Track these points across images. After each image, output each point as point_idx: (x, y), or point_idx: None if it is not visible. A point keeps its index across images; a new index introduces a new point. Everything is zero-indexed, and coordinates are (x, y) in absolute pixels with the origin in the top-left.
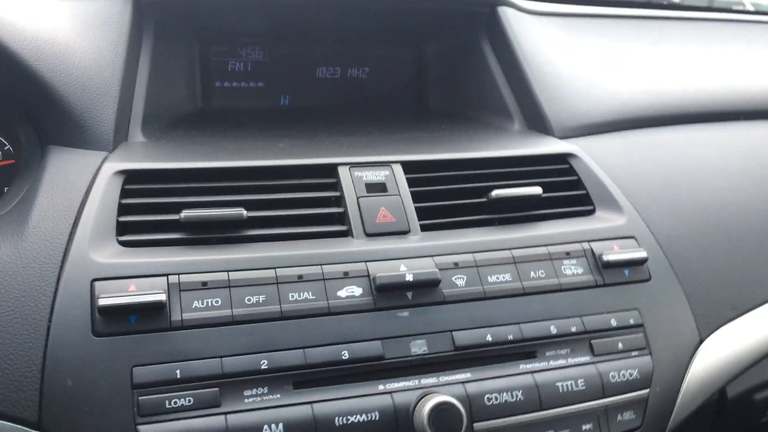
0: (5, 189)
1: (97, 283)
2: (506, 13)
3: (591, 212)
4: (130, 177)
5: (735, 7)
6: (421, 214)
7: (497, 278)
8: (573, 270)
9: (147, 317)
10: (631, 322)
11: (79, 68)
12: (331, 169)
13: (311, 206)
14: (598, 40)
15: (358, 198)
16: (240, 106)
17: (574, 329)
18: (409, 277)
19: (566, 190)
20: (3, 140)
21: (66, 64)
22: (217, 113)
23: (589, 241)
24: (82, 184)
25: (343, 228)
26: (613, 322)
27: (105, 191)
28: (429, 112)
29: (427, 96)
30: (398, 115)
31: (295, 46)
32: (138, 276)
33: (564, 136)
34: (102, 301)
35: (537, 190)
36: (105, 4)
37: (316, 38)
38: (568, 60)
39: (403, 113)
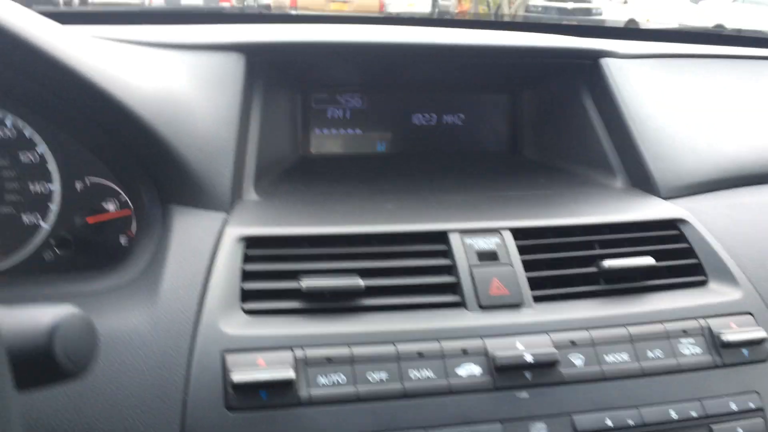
0: (120, 237)
1: (228, 356)
2: (608, 64)
3: (703, 283)
4: (251, 242)
5: None
6: (533, 284)
7: (615, 358)
8: (691, 350)
9: (277, 393)
10: (751, 405)
11: (198, 128)
12: (442, 236)
13: (423, 273)
14: (697, 84)
15: (470, 267)
16: (338, 153)
17: (694, 414)
18: (529, 358)
19: (677, 259)
20: (120, 191)
21: (186, 124)
22: (316, 160)
23: (705, 317)
24: (207, 250)
25: (457, 299)
26: (733, 406)
27: (229, 258)
28: (524, 163)
29: (521, 144)
30: (494, 164)
31: (392, 94)
32: (265, 349)
33: (669, 196)
34: (235, 377)
35: (649, 260)
36: (218, 59)
37: (413, 86)
38: (670, 111)
39: (498, 162)
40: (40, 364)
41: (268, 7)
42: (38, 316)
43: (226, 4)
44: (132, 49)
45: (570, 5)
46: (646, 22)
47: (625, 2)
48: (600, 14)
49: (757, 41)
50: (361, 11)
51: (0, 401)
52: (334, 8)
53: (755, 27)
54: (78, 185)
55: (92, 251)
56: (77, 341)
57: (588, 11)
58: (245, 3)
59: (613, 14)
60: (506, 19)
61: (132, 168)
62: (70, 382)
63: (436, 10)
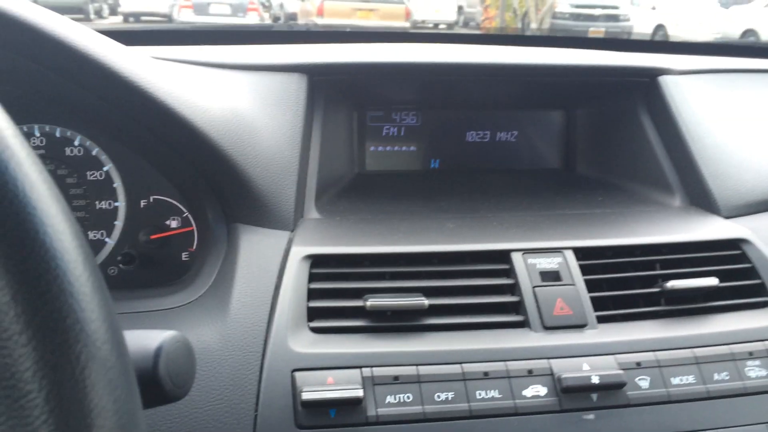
0: (182, 254)
1: (297, 374)
2: (666, 82)
3: (766, 304)
4: (316, 261)
5: None
6: (596, 304)
7: (681, 380)
8: (757, 372)
9: (346, 411)
10: None
11: (263, 147)
12: (505, 255)
13: (485, 293)
14: (753, 98)
15: (533, 288)
16: (393, 169)
17: None
18: (595, 379)
19: (740, 279)
20: (182, 207)
21: (251, 144)
22: (372, 177)
23: None
24: (273, 268)
25: (520, 318)
26: None
27: (296, 276)
28: (579, 180)
29: (575, 161)
30: (548, 181)
31: (446, 111)
32: (334, 367)
33: (730, 215)
34: (305, 395)
35: (713, 281)
36: (281, 80)
37: (467, 104)
38: (728, 128)
39: (552, 179)
40: (147, 386)
41: (294, 15)
42: (143, 339)
43: (253, 14)
44: (195, 70)
45: (597, 11)
46: (675, 27)
47: (654, 8)
48: (628, 20)
49: None
50: (387, 19)
51: (132, 420)
52: (360, 16)
53: None
54: (143, 203)
55: (155, 267)
56: (179, 365)
57: (615, 17)
58: (271, 12)
59: (640, 20)
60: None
61: (197, 186)
62: (172, 403)
63: (462, 17)
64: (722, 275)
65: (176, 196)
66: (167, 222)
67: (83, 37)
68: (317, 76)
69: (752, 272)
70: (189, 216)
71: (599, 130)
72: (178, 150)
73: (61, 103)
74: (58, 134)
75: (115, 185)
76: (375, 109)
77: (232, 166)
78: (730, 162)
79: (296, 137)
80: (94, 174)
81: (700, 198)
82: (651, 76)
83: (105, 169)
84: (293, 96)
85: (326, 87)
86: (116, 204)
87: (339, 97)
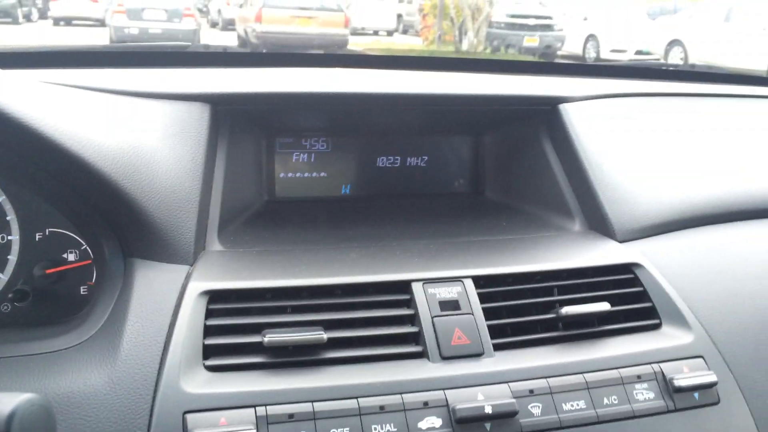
0: (80, 288)
1: (188, 416)
2: (566, 110)
3: (657, 326)
4: (214, 296)
5: None
6: (493, 332)
7: (572, 405)
8: (644, 395)
9: None
10: None
11: (161, 180)
12: (405, 286)
13: (385, 324)
14: (652, 123)
15: (432, 318)
16: (303, 196)
17: None
18: (488, 409)
19: (632, 303)
20: (80, 240)
21: (148, 177)
22: (282, 204)
23: (658, 362)
24: (169, 305)
25: (419, 349)
26: None
27: (192, 313)
28: (487, 204)
29: (483, 185)
30: (457, 206)
31: (356, 137)
32: (227, 408)
33: (625, 239)
34: None
35: (605, 306)
36: (183, 109)
37: (377, 130)
38: (626, 154)
39: (461, 204)
40: None
41: (232, 22)
42: None
43: (189, 20)
44: (92, 97)
45: (531, 21)
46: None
47: (585, 19)
48: (561, 30)
49: (709, 77)
50: (326, 26)
51: None
52: (299, 23)
53: (708, 42)
54: (38, 236)
55: (51, 302)
56: (34, 429)
57: (549, 27)
58: (209, 18)
59: (572, 30)
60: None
61: (93, 220)
62: None
63: (401, 25)
64: (616, 299)
65: (73, 228)
66: (64, 255)
67: None
68: (221, 106)
69: (644, 296)
70: (87, 249)
71: (506, 156)
72: (69, 184)
73: None
74: None
75: (8, 218)
76: (284, 136)
77: (126, 200)
78: (625, 187)
79: (197, 168)
80: None
81: (598, 223)
82: (551, 104)
83: None
84: (195, 126)
85: (231, 115)
86: (9, 237)
87: (246, 124)
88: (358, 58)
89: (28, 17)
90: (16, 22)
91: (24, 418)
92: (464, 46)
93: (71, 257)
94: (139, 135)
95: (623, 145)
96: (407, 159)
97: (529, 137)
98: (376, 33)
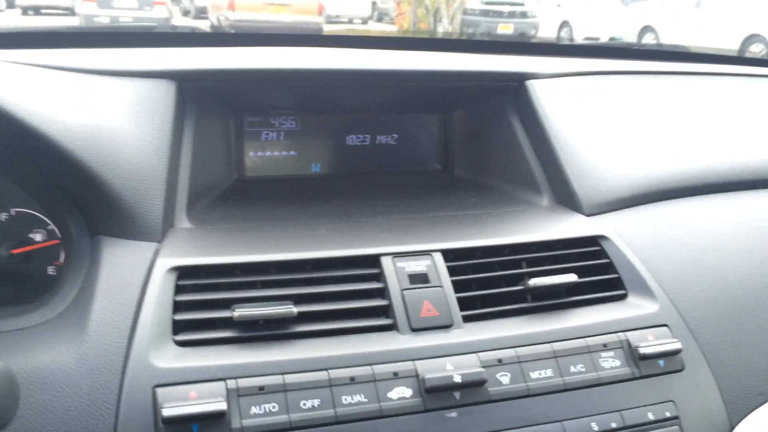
0: (47, 268)
1: (158, 390)
2: (533, 86)
3: (623, 297)
4: (183, 272)
5: None
6: (462, 304)
7: (539, 374)
8: (611, 363)
9: (209, 425)
10: (667, 414)
11: (127, 158)
12: (374, 260)
13: (355, 298)
14: (619, 100)
15: (402, 291)
16: (273, 175)
17: (614, 425)
18: (457, 378)
19: (599, 274)
20: (47, 220)
21: (114, 154)
22: (251, 183)
23: (624, 331)
24: (137, 282)
25: (389, 322)
26: (651, 416)
27: (160, 290)
28: (456, 181)
29: (453, 163)
30: (426, 183)
31: (326, 116)
32: (197, 381)
33: (592, 213)
34: (166, 412)
35: (572, 277)
36: (148, 87)
37: (347, 108)
38: (593, 129)
39: (430, 181)
40: None
41: (204, 9)
42: None
43: (161, 8)
44: (56, 76)
45: (506, 8)
46: (578, 23)
47: (559, 5)
48: (534, 17)
49: (676, 56)
50: (300, 13)
51: None
52: (273, 11)
53: (679, 27)
54: (3, 216)
55: (18, 283)
56: None
57: (523, 14)
58: (180, 5)
59: (547, 17)
60: (444, 36)
61: (58, 199)
62: None
63: (376, 12)
64: (583, 271)
65: (39, 208)
66: (30, 235)
67: None
68: (187, 83)
69: (610, 267)
70: (54, 229)
71: (474, 133)
72: (32, 163)
73: None
74: None
75: None
76: (253, 114)
77: (91, 178)
78: (592, 162)
79: (164, 146)
80: None
81: (565, 197)
82: (519, 80)
83: None
84: (161, 103)
85: (198, 93)
86: None
87: (213, 102)
88: (329, 39)
89: None
90: None
91: None
92: (439, 34)
93: (38, 237)
94: (103, 113)
95: (590, 121)
96: (377, 137)
97: (497, 114)
98: (350, 21)
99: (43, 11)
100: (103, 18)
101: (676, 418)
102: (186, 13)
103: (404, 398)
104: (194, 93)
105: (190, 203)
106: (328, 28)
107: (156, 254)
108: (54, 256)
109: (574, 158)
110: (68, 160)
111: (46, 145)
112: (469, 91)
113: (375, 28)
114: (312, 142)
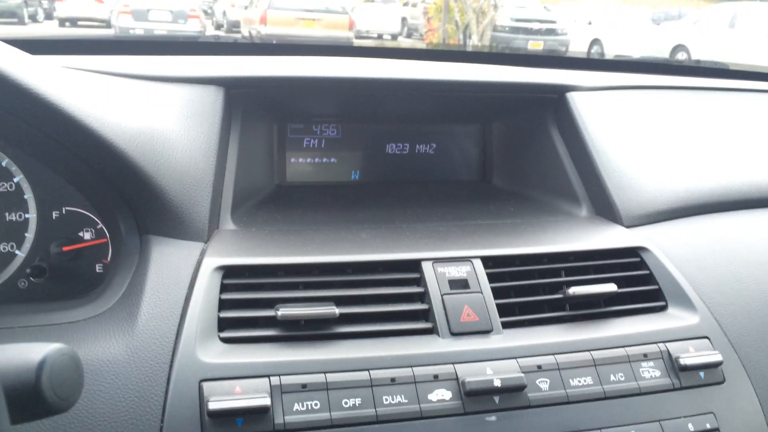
0: (95, 266)
1: (205, 384)
2: (573, 98)
3: (663, 308)
4: (228, 272)
5: None
6: (501, 310)
7: (579, 381)
8: (651, 373)
9: (253, 420)
10: (708, 426)
11: (177, 160)
12: (415, 265)
13: (396, 301)
14: (657, 114)
15: (442, 295)
16: (313, 181)
17: None
18: (497, 383)
19: (638, 285)
20: (96, 219)
21: (165, 157)
22: (292, 189)
23: (664, 341)
24: (185, 280)
25: (429, 325)
26: (691, 427)
27: (207, 287)
28: (494, 191)
29: (491, 173)
30: (465, 192)
31: (366, 124)
32: (242, 377)
33: (631, 225)
34: (212, 405)
35: (612, 287)
36: (198, 93)
37: (387, 117)
38: (633, 142)
39: (468, 190)
40: (29, 399)
41: (237, 23)
42: (27, 352)
43: (194, 21)
44: (112, 81)
45: (536, 26)
46: (610, 42)
47: (590, 23)
48: (565, 34)
49: (714, 72)
50: (331, 28)
51: None
52: (304, 25)
53: (713, 47)
54: (54, 214)
55: (67, 279)
56: (64, 377)
57: (553, 31)
58: (213, 19)
59: (577, 34)
60: (477, 50)
61: (110, 199)
62: (57, 415)
63: (405, 28)
64: (622, 281)
65: (89, 207)
66: (80, 233)
67: None
68: (234, 89)
69: (650, 278)
70: (103, 227)
71: (513, 144)
72: (88, 162)
73: None
74: None
75: (26, 196)
76: (296, 122)
77: (143, 178)
78: (633, 175)
79: (212, 149)
80: (3, 185)
81: (605, 208)
82: (559, 92)
83: (15, 180)
84: (209, 108)
85: (244, 100)
86: (27, 215)
87: (258, 109)
88: (367, 50)
89: (33, 18)
90: (22, 22)
91: (54, 366)
92: (468, 50)
93: (87, 235)
94: (155, 117)
95: (630, 134)
96: (416, 146)
97: (537, 125)
98: (380, 36)
99: (80, 23)
100: (138, 30)
101: (716, 430)
102: (218, 26)
103: (444, 400)
104: (240, 99)
105: (234, 206)
106: (358, 44)
107: (203, 254)
108: (102, 254)
109: (614, 170)
110: (123, 161)
111: (103, 147)
112: (509, 102)
113: (404, 44)
114: (352, 149)
